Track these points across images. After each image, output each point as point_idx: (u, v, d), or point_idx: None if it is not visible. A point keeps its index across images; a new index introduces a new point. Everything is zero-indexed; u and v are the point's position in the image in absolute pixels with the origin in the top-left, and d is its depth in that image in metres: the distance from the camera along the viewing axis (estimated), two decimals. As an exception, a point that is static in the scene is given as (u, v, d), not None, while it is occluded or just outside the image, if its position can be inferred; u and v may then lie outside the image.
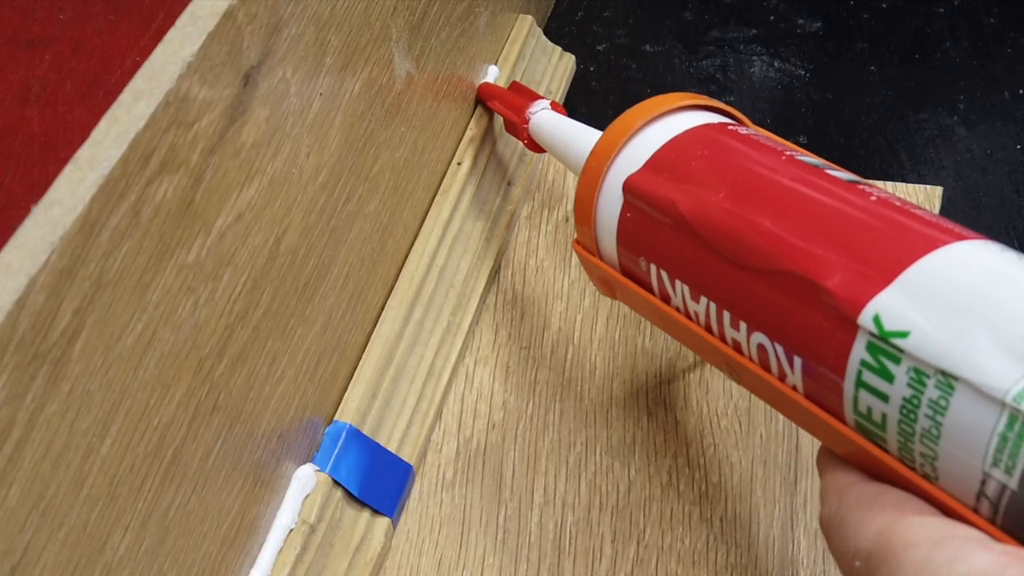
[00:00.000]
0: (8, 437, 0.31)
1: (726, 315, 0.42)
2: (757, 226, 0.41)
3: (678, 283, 0.44)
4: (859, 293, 0.36)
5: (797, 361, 0.39)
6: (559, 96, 0.69)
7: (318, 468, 0.49)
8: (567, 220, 0.64)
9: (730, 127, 0.47)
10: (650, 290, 0.46)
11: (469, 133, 0.62)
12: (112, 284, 0.34)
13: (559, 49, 0.71)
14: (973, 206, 0.65)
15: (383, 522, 0.51)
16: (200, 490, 0.41)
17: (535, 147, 0.59)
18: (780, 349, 0.40)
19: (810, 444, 0.54)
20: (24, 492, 0.32)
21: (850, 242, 0.38)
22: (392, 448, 0.52)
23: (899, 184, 0.64)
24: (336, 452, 0.50)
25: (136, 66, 0.36)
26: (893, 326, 0.35)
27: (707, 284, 0.43)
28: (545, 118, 0.58)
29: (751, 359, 0.41)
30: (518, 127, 0.59)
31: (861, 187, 0.41)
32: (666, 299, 0.45)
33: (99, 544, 0.36)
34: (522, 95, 0.61)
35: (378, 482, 0.51)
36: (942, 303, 0.35)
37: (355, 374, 0.53)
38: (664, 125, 0.47)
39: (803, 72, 0.73)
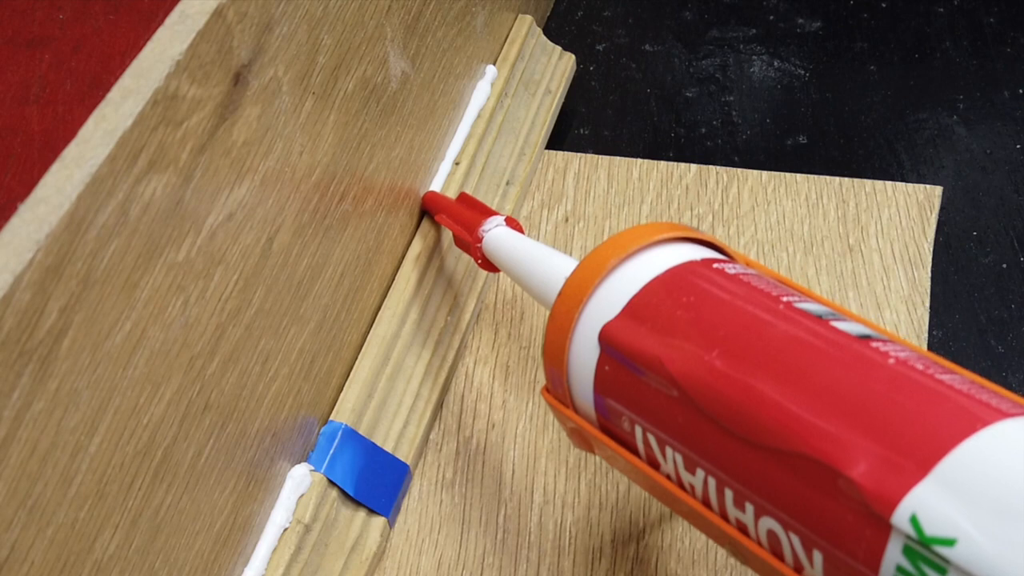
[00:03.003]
0: (-6, 435, 0.31)
1: (728, 493, 0.36)
2: (760, 396, 0.35)
3: (669, 450, 0.38)
4: (891, 487, 0.31)
5: (817, 556, 0.34)
6: (558, 96, 0.69)
7: (313, 468, 0.49)
8: (566, 220, 0.64)
9: (716, 265, 0.41)
10: (635, 452, 0.41)
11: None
12: (100, 282, 0.34)
13: (559, 49, 0.71)
14: (973, 206, 0.65)
15: (379, 522, 0.51)
16: (192, 489, 0.41)
17: (489, 267, 0.54)
18: (796, 540, 0.34)
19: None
20: (10, 489, 0.32)
21: (872, 420, 0.33)
22: (388, 448, 0.52)
23: (899, 184, 0.64)
24: (331, 452, 0.50)
25: (136, 66, 0.36)
26: (935, 531, 0.30)
27: (704, 456, 0.37)
28: (501, 237, 0.52)
29: (760, 544, 0.36)
30: (470, 246, 0.54)
31: (875, 344, 0.36)
32: (655, 465, 0.40)
33: (88, 542, 0.36)
34: (473, 209, 0.56)
35: (374, 482, 0.51)
36: (992, 503, 0.30)
37: (351, 374, 0.53)
38: (642, 263, 0.42)
39: (803, 72, 0.73)
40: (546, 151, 0.68)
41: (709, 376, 0.37)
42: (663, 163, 0.67)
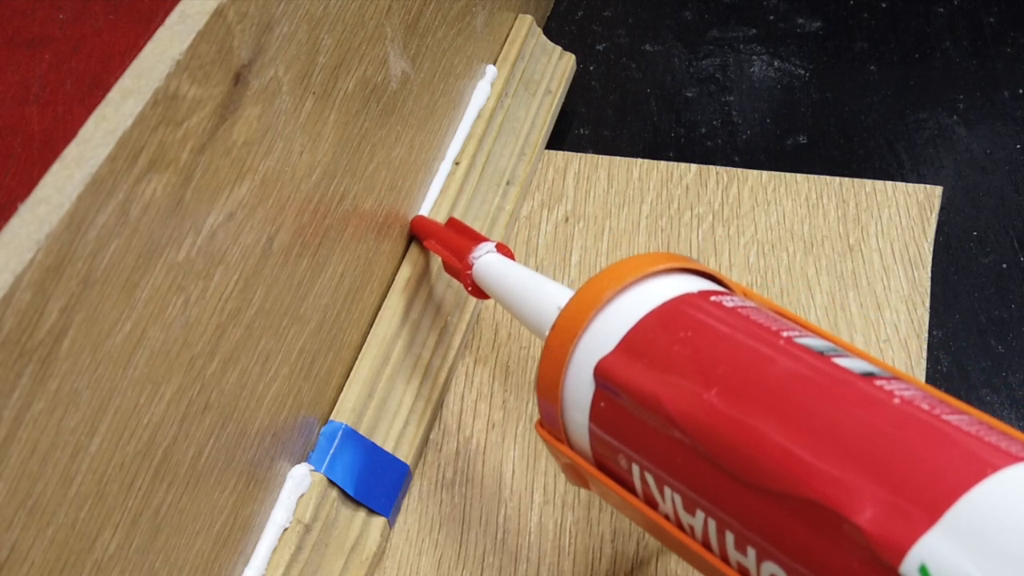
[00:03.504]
0: (-6, 435, 0.31)
1: (729, 536, 0.35)
2: (761, 437, 0.34)
3: (667, 490, 0.37)
4: (898, 534, 0.30)
5: None
6: (559, 96, 0.69)
7: (313, 468, 0.49)
8: (566, 220, 0.64)
9: (713, 298, 0.40)
10: (632, 490, 0.39)
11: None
12: (100, 282, 0.34)
13: (559, 49, 0.71)
14: (973, 206, 0.65)
15: (379, 522, 0.51)
16: (192, 488, 0.41)
17: (480, 294, 0.53)
18: None
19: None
20: (10, 490, 0.32)
21: (878, 463, 0.32)
22: (388, 448, 0.52)
23: (899, 184, 0.64)
24: (331, 452, 0.50)
25: (136, 66, 0.36)
26: None
27: (704, 497, 0.36)
28: (492, 264, 0.51)
29: None
30: (460, 273, 0.53)
31: (879, 382, 0.35)
32: (652, 504, 0.38)
33: (88, 542, 0.36)
34: (462, 234, 0.55)
35: (374, 482, 0.51)
36: (1004, 553, 0.29)
37: (351, 373, 0.53)
38: (638, 295, 0.41)
39: (803, 72, 0.73)
40: (546, 151, 0.68)
41: (708, 416, 0.36)
42: (663, 163, 0.67)
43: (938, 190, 0.64)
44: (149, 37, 0.37)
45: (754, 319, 0.39)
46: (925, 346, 0.57)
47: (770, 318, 0.39)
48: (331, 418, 0.51)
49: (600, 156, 0.68)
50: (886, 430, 0.32)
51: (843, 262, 0.61)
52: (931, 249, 0.61)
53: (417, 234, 0.57)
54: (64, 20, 0.74)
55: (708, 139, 0.70)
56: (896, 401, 0.34)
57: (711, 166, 0.67)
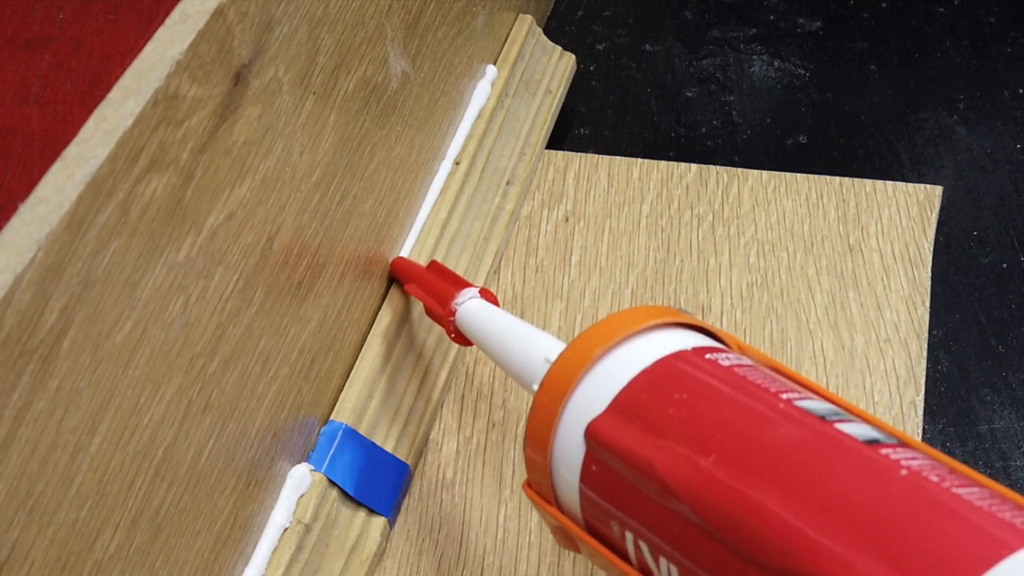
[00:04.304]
0: (-6, 434, 0.31)
1: None
2: (762, 509, 0.32)
3: (663, 560, 0.35)
4: None
5: None
6: (559, 95, 0.69)
7: (313, 468, 0.49)
8: (567, 220, 0.64)
9: (709, 355, 0.38)
10: (625, 558, 0.37)
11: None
12: (100, 282, 0.34)
13: (559, 48, 0.71)
14: (973, 206, 0.65)
15: (379, 521, 0.51)
16: (192, 488, 0.41)
17: (463, 341, 0.51)
18: None
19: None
20: (11, 489, 0.32)
21: (886, 542, 0.30)
22: (388, 447, 0.52)
23: (899, 184, 0.64)
24: (332, 452, 0.50)
25: (136, 66, 0.36)
26: None
27: (702, 570, 0.34)
28: (476, 310, 0.49)
29: None
30: (443, 319, 0.51)
31: (885, 451, 0.33)
32: (647, 574, 0.37)
33: (89, 542, 0.36)
34: (444, 279, 0.52)
35: (374, 482, 0.51)
36: None
37: (351, 373, 0.53)
38: (630, 352, 0.39)
39: (803, 72, 0.73)
40: (546, 151, 0.68)
41: (706, 485, 0.34)
42: (663, 163, 0.67)
43: (938, 190, 0.64)
44: (149, 37, 0.37)
45: (752, 379, 0.37)
46: (925, 346, 0.57)
47: (768, 378, 0.37)
48: (331, 418, 0.51)
49: (600, 156, 0.68)
50: (894, 505, 0.31)
51: (843, 262, 0.61)
52: (931, 249, 0.61)
53: (398, 276, 0.56)
54: (64, 20, 0.74)
55: (708, 139, 0.70)
56: (904, 472, 0.32)
57: (711, 166, 0.67)
